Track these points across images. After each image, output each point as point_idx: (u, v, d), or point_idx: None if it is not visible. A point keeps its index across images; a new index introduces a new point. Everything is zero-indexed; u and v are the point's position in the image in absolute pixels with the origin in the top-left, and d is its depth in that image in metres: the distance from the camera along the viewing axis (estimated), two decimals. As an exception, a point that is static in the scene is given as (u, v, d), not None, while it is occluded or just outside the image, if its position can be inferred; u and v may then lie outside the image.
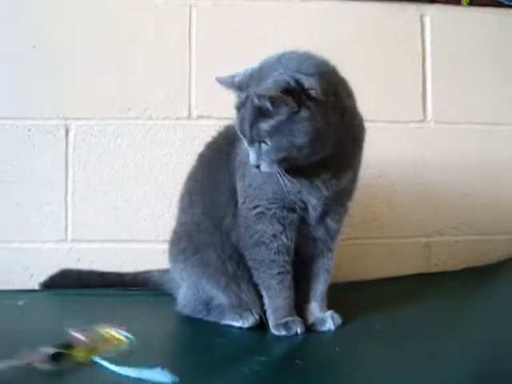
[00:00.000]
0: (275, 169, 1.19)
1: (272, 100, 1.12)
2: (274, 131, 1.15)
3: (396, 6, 1.90)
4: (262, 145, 1.17)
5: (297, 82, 1.13)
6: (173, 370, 1.12)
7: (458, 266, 1.88)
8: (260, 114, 1.15)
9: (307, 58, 1.20)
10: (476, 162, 1.95)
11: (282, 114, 1.14)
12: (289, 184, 1.21)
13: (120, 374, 0.98)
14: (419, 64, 1.92)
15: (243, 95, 1.19)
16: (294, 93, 1.13)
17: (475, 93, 1.95)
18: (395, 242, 1.91)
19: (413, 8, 1.91)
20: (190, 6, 1.82)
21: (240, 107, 1.20)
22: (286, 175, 1.20)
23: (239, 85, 1.20)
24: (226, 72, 1.73)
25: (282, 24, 1.85)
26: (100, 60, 1.80)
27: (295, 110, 1.14)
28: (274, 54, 1.22)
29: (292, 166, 1.20)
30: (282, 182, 1.21)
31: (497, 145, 1.96)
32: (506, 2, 1.92)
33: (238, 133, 1.23)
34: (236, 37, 1.85)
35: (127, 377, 0.97)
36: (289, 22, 1.86)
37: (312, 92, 1.14)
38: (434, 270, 1.92)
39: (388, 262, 1.88)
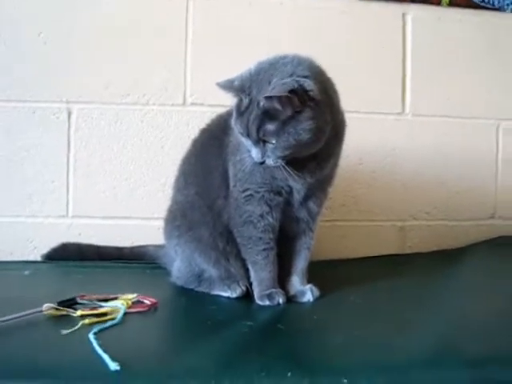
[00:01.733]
0: (279, 163, 1.24)
1: (280, 100, 1.17)
2: (280, 131, 1.20)
3: (379, 4, 1.95)
4: (268, 144, 1.22)
5: (299, 84, 1.19)
6: (171, 332, 1.23)
7: (430, 249, 1.98)
8: (266, 116, 1.20)
9: (300, 61, 1.25)
10: (449, 153, 2.01)
11: (287, 114, 1.19)
12: (292, 174, 1.26)
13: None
14: (400, 60, 1.97)
15: (246, 99, 1.22)
16: (298, 94, 1.18)
17: (451, 88, 2.01)
18: (373, 225, 1.98)
19: (395, 7, 1.96)
20: (188, -3, 1.85)
21: (243, 111, 1.23)
22: (286, 167, 1.25)
23: (240, 89, 1.23)
24: (219, 62, 1.83)
25: (275, 18, 1.90)
26: (101, 48, 1.84)
27: (299, 109, 1.19)
28: (266, 59, 1.27)
29: (291, 160, 1.25)
30: (285, 173, 1.26)
31: (470, 137, 2.03)
32: (483, 4, 2.01)
33: (241, 134, 1.25)
34: (231, 29, 1.88)
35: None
36: (280, 17, 1.91)
37: (311, 93, 1.20)
38: (407, 251, 1.99)
39: (365, 243, 1.96)
